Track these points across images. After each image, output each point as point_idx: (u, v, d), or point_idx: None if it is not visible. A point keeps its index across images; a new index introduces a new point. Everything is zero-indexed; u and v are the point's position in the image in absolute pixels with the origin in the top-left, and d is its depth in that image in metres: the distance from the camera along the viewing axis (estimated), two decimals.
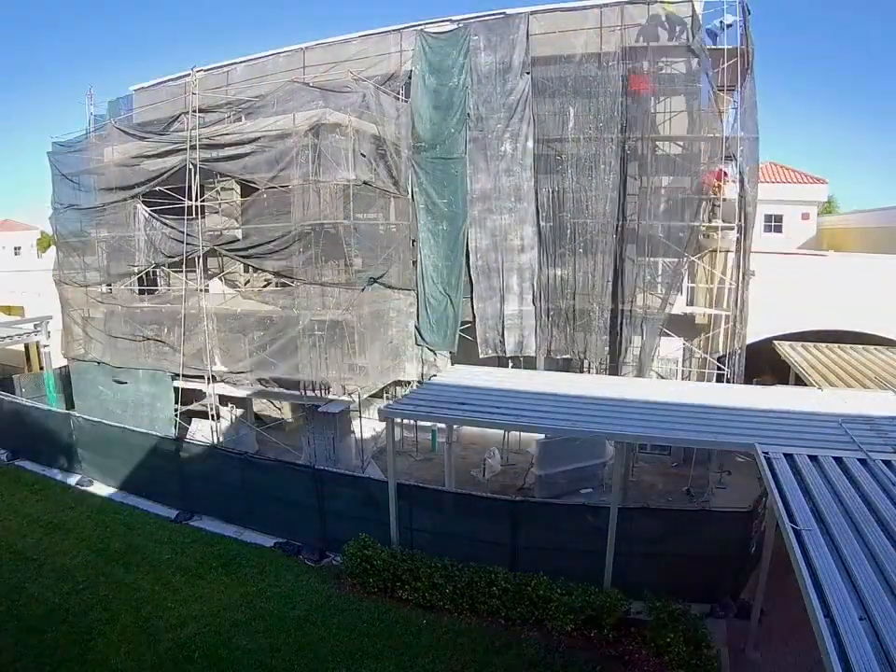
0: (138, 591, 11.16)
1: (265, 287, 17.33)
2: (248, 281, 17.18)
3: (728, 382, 15.27)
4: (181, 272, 15.77)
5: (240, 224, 15.71)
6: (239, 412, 17.09)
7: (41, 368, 21.75)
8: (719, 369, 15.77)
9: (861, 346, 15.63)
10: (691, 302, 16.52)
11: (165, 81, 20.35)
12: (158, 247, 16.53)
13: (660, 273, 15.78)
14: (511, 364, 16.86)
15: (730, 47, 14.73)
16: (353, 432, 15.62)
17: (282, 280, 16.01)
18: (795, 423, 9.76)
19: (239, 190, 16.09)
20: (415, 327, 17.46)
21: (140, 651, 9.60)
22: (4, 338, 20.68)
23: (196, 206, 15.40)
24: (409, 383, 17.45)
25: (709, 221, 15.95)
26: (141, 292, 17.84)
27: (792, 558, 5.76)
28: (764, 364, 16.94)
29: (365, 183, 14.65)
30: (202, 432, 16.55)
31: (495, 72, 16.16)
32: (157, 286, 17.64)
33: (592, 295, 16.12)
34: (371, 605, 10.59)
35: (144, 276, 17.61)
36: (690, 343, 16.20)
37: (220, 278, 16.78)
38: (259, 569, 11.79)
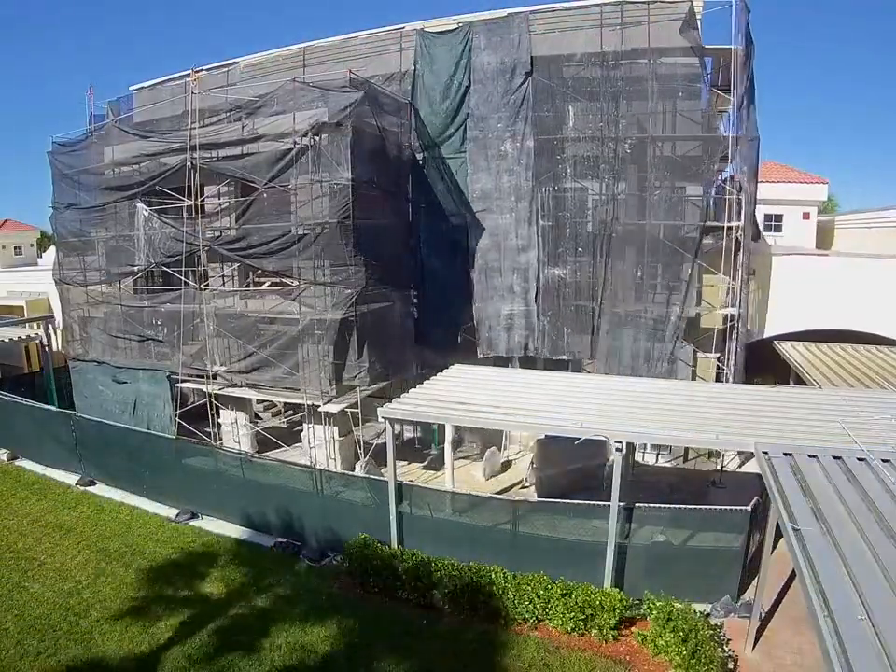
0: (139, 590, 11.17)
1: (265, 286, 17.34)
2: (248, 281, 17.17)
3: (728, 381, 15.27)
4: (181, 271, 15.76)
5: (240, 224, 15.70)
6: (239, 413, 17.07)
7: (41, 368, 21.74)
8: (718, 368, 15.77)
9: (861, 346, 15.64)
10: (690, 302, 16.50)
11: (165, 81, 20.36)
12: (157, 247, 16.53)
13: (659, 273, 15.76)
14: (510, 364, 16.86)
15: (729, 46, 14.73)
16: (352, 431, 15.61)
17: (282, 280, 16.01)
18: (795, 422, 9.78)
19: (239, 190, 16.07)
20: (416, 327, 17.45)
21: (141, 650, 9.61)
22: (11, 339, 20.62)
23: (196, 206, 15.40)
24: (409, 382, 17.44)
25: (710, 221, 15.95)
26: (142, 292, 17.83)
27: (792, 558, 5.77)
28: (764, 363, 16.95)
29: (365, 183, 14.64)
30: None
31: (495, 71, 16.16)
32: (158, 285, 17.60)
33: (591, 295, 16.12)
34: (370, 605, 10.60)
35: (146, 276, 17.61)
36: (689, 342, 16.19)
37: (221, 278, 16.76)
38: (260, 569, 11.79)
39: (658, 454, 16.23)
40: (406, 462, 16.22)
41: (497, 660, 9.26)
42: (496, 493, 13.16)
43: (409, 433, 18.25)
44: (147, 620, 10.32)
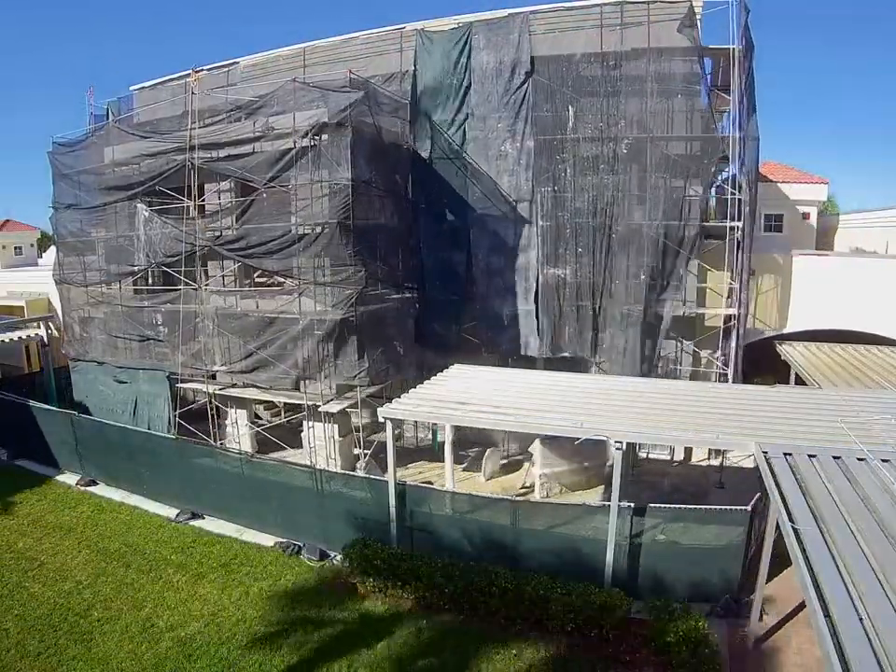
0: (139, 590, 11.18)
1: (265, 286, 17.34)
2: (249, 280, 17.17)
3: (728, 381, 15.27)
4: (181, 271, 15.77)
5: (240, 224, 15.70)
6: (240, 413, 17.07)
7: (41, 368, 21.74)
8: (719, 368, 15.77)
9: (861, 346, 15.64)
10: (691, 302, 16.50)
11: (166, 81, 20.37)
12: (157, 247, 16.53)
13: (660, 272, 15.76)
14: (511, 364, 16.84)
15: (729, 46, 14.73)
16: (352, 431, 15.62)
17: (282, 280, 16.01)
18: (795, 422, 9.78)
19: (239, 190, 16.09)
20: (416, 327, 17.45)
21: (141, 650, 9.62)
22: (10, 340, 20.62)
23: (196, 206, 15.41)
24: (409, 382, 17.43)
25: (710, 221, 15.96)
26: (142, 292, 17.83)
27: (793, 558, 5.78)
28: (767, 363, 16.95)
29: (365, 183, 14.65)
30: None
31: (495, 71, 16.17)
32: (158, 285, 17.61)
33: (591, 294, 16.12)
34: (371, 605, 10.61)
35: (146, 276, 17.61)
36: (690, 342, 16.19)
37: (221, 277, 16.77)
38: (260, 569, 11.80)
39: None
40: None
41: (497, 660, 9.27)
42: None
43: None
44: (146, 618, 10.35)
